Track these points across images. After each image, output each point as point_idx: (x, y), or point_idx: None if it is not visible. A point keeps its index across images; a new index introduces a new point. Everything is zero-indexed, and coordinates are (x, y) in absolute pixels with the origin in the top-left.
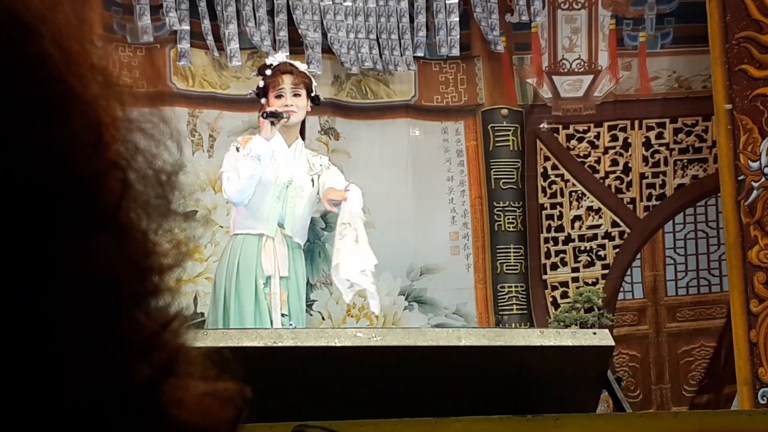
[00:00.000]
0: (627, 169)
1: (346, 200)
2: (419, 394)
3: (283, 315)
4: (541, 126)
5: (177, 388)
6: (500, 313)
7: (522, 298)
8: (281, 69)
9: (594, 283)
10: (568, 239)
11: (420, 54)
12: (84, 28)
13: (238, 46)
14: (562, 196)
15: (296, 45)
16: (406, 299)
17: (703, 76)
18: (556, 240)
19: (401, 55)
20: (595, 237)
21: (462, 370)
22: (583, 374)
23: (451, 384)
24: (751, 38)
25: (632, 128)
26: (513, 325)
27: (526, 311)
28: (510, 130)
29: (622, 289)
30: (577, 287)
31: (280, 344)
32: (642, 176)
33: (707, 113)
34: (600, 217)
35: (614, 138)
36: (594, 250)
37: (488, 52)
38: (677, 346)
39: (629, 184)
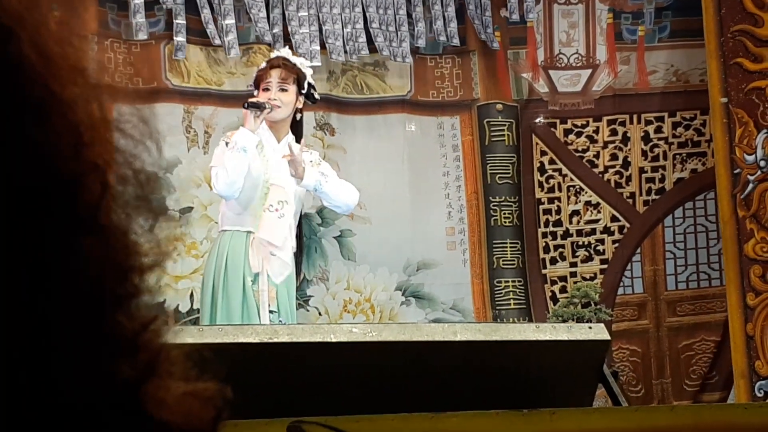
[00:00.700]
0: (626, 164)
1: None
2: (415, 389)
3: (271, 312)
4: (537, 121)
5: (159, 388)
6: (497, 308)
7: (520, 292)
8: (272, 63)
9: (592, 278)
10: (566, 234)
11: (422, 44)
12: (64, 29)
13: (236, 37)
14: (560, 190)
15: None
16: (403, 294)
17: (700, 70)
18: (554, 234)
19: (399, 47)
20: (593, 232)
21: (458, 365)
22: (579, 369)
23: (447, 379)
24: (747, 31)
25: (631, 122)
26: (511, 320)
27: (524, 306)
28: (505, 125)
29: (621, 284)
30: (575, 282)
31: (275, 340)
32: (641, 170)
33: (705, 107)
34: (599, 212)
35: (614, 132)
36: (592, 245)
37: (484, 46)
38: (678, 340)
39: (629, 179)
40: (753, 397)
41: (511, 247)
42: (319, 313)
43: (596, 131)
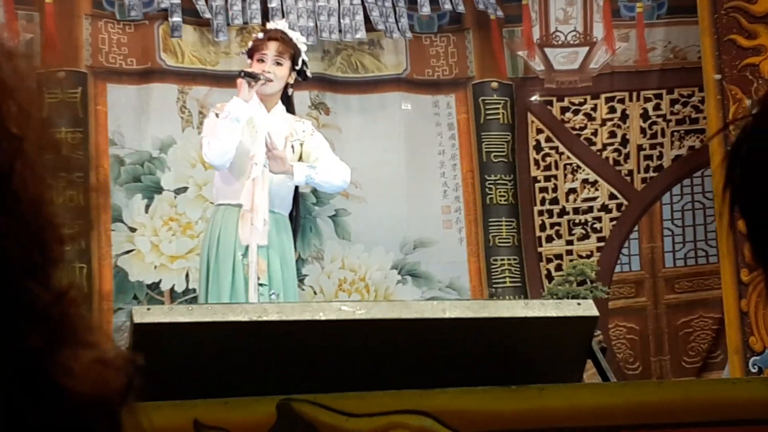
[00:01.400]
0: (625, 141)
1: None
2: (404, 366)
3: (261, 285)
4: (533, 99)
5: (68, 357)
6: (494, 286)
7: (515, 270)
8: (271, 35)
9: (588, 256)
10: (562, 212)
11: (426, 11)
12: None
13: (225, 20)
14: (557, 168)
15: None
16: (399, 273)
17: (697, 47)
18: (550, 213)
19: (396, 22)
20: (590, 210)
21: (447, 342)
22: (567, 345)
23: (436, 356)
24: (740, 8)
25: (630, 100)
26: (507, 297)
27: (519, 284)
28: (500, 104)
29: (619, 262)
30: (571, 260)
31: (264, 318)
32: (640, 148)
33: (702, 84)
34: (596, 190)
35: (612, 110)
36: (589, 223)
37: (479, 24)
38: (676, 317)
39: (627, 156)
40: (747, 373)
41: (506, 225)
42: (314, 293)
43: (594, 109)
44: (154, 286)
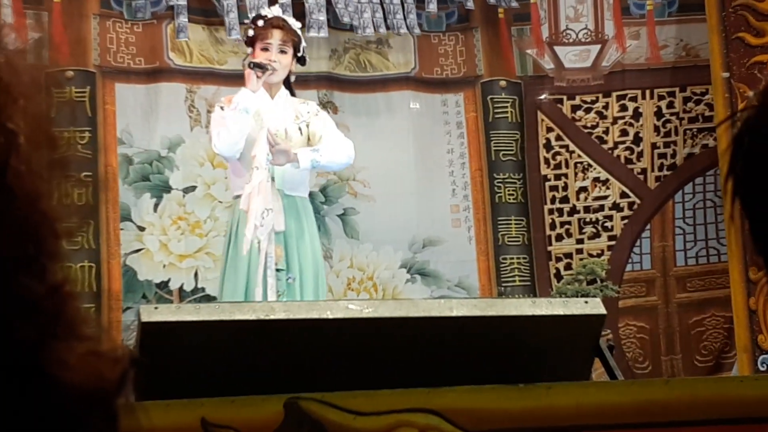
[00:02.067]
0: (637, 140)
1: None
2: (412, 365)
3: (278, 270)
4: (542, 97)
5: (62, 350)
6: (503, 284)
7: (525, 269)
8: (273, 23)
9: (599, 255)
10: (573, 211)
11: (433, 9)
12: None
13: (237, 17)
14: (567, 167)
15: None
16: (408, 272)
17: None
18: (561, 211)
19: (404, 19)
20: (601, 208)
21: (454, 340)
22: (575, 343)
23: (443, 354)
24: (748, 6)
25: (643, 98)
26: (516, 296)
27: (529, 283)
28: (508, 102)
29: (630, 261)
30: (581, 259)
31: (272, 317)
32: (653, 146)
33: None
34: (608, 188)
35: (623, 108)
36: (600, 222)
37: (487, 23)
38: (688, 316)
39: (640, 155)
40: (756, 371)
41: (516, 224)
42: None
43: (606, 107)
44: (163, 285)
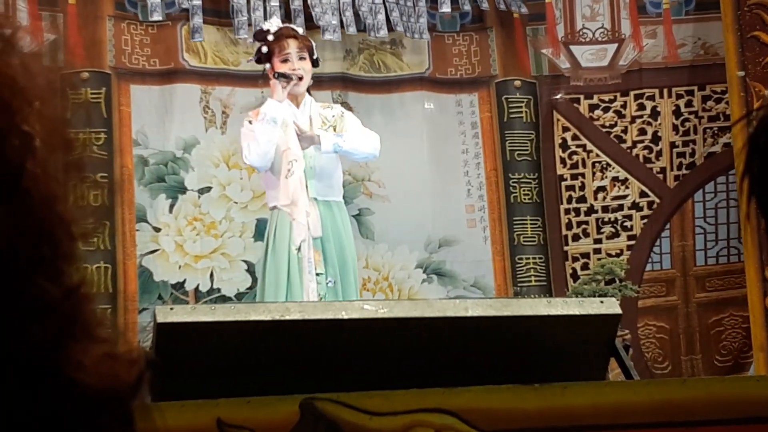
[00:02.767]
0: (656, 138)
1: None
2: (427, 365)
3: (318, 274)
4: (558, 96)
5: (78, 351)
6: (518, 284)
7: (541, 269)
8: (285, 33)
9: (618, 255)
10: (590, 210)
11: (447, 9)
12: None
13: (246, 18)
14: (584, 167)
15: (310, 20)
16: (424, 272)
17: None
18: (578, 211)
19: (416, 22)
20: (620, 208)
21: (470, 340)
22: (590, 343)
23: (458, 355)
24: (764, 4)
25: (661, 96)
26: (532, 296)
27: (545, 283)
28: (523, 102)
29: (650, 260)
30: (599, 259)
31: (287, 317)
32: (672, 145)
33: None
34: (627, 188)
35: (641, 107)
36: (619, 221)
37: (501, 23)
38: (707, 316)
39: (659, 154)
40: None
41: (531, 223)
42: None
43: (624, 106)
44: (179, 286)
